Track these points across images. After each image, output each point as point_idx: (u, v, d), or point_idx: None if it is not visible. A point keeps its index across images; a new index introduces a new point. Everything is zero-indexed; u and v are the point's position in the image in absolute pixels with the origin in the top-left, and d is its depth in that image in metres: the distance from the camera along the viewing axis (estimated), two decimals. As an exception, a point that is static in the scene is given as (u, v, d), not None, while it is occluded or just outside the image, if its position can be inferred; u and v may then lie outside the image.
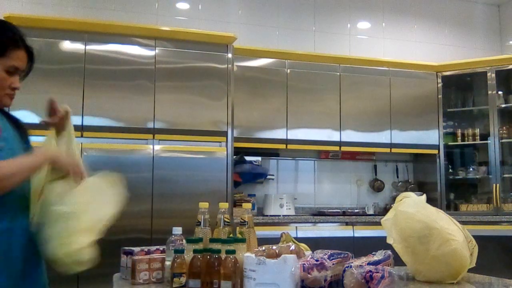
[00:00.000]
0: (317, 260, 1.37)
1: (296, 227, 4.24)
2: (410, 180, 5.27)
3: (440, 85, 5.00)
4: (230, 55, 4.04)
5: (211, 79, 3.99)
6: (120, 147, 3.68)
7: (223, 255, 1.39)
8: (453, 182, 5.10)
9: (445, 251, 1.58)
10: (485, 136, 4.95)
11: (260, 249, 1.42)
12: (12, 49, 1.53)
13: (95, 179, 1.58)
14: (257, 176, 4.63)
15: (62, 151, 1.62)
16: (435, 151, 4.95)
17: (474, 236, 1.73)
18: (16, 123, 1.68)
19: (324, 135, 4.66)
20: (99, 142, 3.64)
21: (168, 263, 1.55)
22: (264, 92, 4.53)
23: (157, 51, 3.89)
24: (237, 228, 1.64)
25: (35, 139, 1.70)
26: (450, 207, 4.96)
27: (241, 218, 1.65)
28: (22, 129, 1.67)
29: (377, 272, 1.33)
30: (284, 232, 1.76)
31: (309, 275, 1.34)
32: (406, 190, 4.82)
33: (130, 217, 3.54)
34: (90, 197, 1.53)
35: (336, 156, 5.01)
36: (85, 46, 3.71)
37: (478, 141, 5.01)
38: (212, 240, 1.48)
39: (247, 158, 4.51)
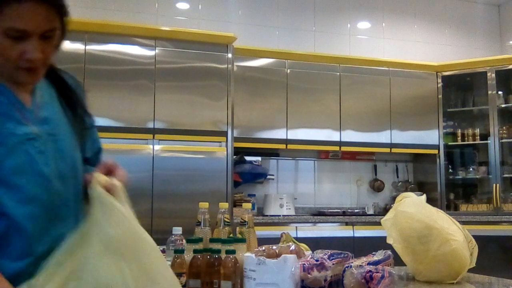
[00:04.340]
0: (317, 260, 1.37)
1: (296, 227, 4.24)
2: (410, 180, 5.27)
3: (440, 85, 5.00)
4: (230, 55, 4.04)
5: (211, 79, 3.99)
6: (120, 147, 3.68)
7: (223, 255, 1.39)
8: (453, 182, 5.10)
9: (445, 251, 1.58)
10: (485, 136, 4.95)
11: (260, 249, 1.42)
12: (9, 4, 1.02)
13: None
14: (257, 176, 4.63)
15: None
16: (435, 151, 4.95)
17: (474, 236, 1.73)
18: (68, 94, 1.25)
19: (324, 135, 4.66)
20: (99, 142, 3.64)
21: (168, 263, 1.55)
22: (264, 92, 4.53)
23: (157, 51, 3.89)
24: (237, 228, 1.64)
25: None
26: (450, 207, 4.96)
27: (241, 218, 1.65)
28: (74, 102, 1.25)
29: (377, 272, 1.33)
30: (284, 232, 1.76)
31: (309, 275, 1.34)
32: (406, 190, 4.82)
33: (130, 217, 3.54)
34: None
35: (336, 156, 5.00)
36: (85, 46, 3.71)
37: (478, 141, 5.01)
38: (212, 240, 1.48)
39: (247, 158, 4.51)
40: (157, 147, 3.78)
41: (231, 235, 1.59)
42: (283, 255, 1.34)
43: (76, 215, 1.18)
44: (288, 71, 4.60)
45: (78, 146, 1.25)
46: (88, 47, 3.72)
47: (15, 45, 1.05)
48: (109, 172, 1.15)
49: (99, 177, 1.09)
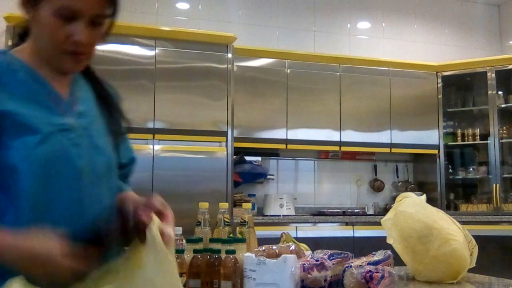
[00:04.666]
0: (317, 260, 1.37)
1: (296, 227, 4.24)
2: (410, 180, 5.27)
3: (440, 85, 5.00)
4: (230, 55, 4.04)
5: (211, 79, 3.99)
6: (120, 147, 3.68)
7: (223, 255, 1.39)
8: (453, 182, 5.10)
9: (445, 251, 1.58)
10: (485, 136, 4.95)
11: (260, 249, 1.42)
12: None
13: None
14: (257, 176, 4.63)
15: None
16: (435, 151, 4.95)
17: (474, 236, 1.73)
18: (105, 97, 1.23)
19: (324, 135, 4.66)
20: (99, 142, 3.64)
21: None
22: (264, 92, 4.53)
23: (157, 51, 3.89)
24: (237, 228, 1.64)
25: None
26: (450, 207, 4.96)
27: (241, 218, 1.65)
28: (112, 107, 1.23)
29: (377, 272, 1.33)
30: (284, 232, 1.76)
31: (309, 275, 1.34)
32: (406, 190, 4.82)
33: (130, 217, 3.54)
34: None
35: (336, 156, 5.01)
36: (85, 46, 3.70)
37: (478, 141, 5.01)
38: (212, 240, 1.48)
39: (247, 158, 4.51)
40: (157, 147, 3.78)
41: (231, 235, 1.59)
42: (283, 255, 1.34)
43: (106, 214, 1.15)
44: (288, 71, 4.60)
45: (114, 147, 1.22)
46: (88, 47, 3.72)
47: (64, 26, 1.04)
48: (159, 215, 1.09)
49: (155, 220, 1.03)
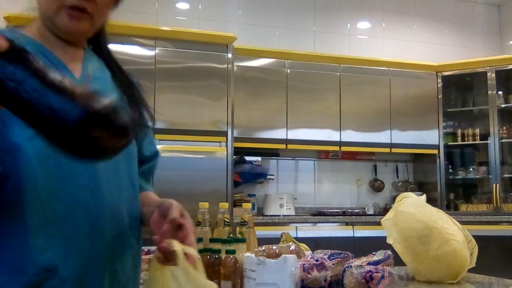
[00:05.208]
0: (317, 260, 1.37)
1: (296, 227, 4.24)
2: (410, 180, 5.27)
3: (440, 85, 5.00)
4: (230, 55, 4.04)
5: (211, 79, 3.99)
6: (120, 147, 3.68)
7: (223, 255, 1.39)
8: (453, 182, 5.10)
9: (445, 251, 1.58)
10: (485, 136, 4.95)
11: (260, 249, 1.42)
12: None
13: None
14: (257, 176, 4.63)
15: None
16: (435, 151, 4.95)
17: (474, 236, 1.73)
18: (124, 83, 1.15)
19: (324, 135, 4.66)
20: (99, 142, 3.63)
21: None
22: (264, 92, 4.53)
23: (157, 51, 3.89)
24: (237, 228, 1.64)
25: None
26: (450, 207, 4.96)
27: (241, 218, 1.65)
28: (132, 94, 1.14)
29: (377, 272, 1.33)
30: (284, 232, 1.76)
31: (309, 275, 1.34)
32: (406, 190, 4.82)
33: (130, 217, 3.54)
34: None
35: (336, 156, 5.01)
36: (85, 46, 3.70)
37: (478, 141, 5.01)
38: (212, 240, 1.48)
39: (247, 158, 4.51)
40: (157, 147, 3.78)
41: (231, 235, 1.59)
42: (283, 255, 1.34)
43: (128, 206, 1.09)
44: (288, 71, 4.60)
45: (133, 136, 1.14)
46: (88, 47, 3.72)
47: None
48: (179, 226, 0.99)
49: (175, 245, 0.93)
